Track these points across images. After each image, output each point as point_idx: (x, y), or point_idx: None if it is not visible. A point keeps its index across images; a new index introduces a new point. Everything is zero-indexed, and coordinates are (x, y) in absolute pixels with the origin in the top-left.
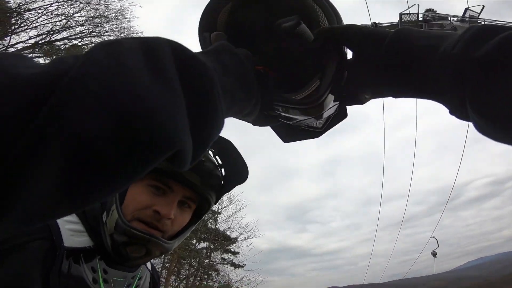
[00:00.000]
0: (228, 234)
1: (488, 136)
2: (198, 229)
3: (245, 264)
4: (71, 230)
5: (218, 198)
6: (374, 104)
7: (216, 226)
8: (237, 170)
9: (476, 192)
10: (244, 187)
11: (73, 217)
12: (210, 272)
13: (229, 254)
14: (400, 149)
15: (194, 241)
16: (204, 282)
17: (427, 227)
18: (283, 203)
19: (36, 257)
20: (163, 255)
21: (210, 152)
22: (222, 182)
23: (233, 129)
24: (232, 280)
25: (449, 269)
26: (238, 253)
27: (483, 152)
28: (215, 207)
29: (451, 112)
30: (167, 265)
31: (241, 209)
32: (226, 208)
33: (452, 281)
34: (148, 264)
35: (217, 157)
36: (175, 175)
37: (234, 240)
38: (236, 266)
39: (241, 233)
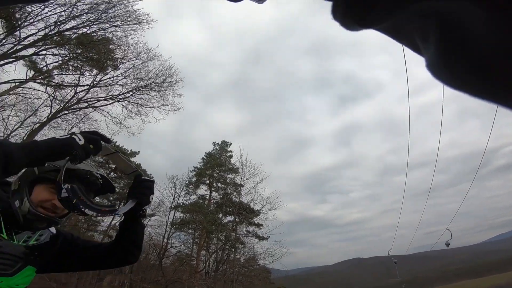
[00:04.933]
0: (252, 206)
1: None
2: (223, 203)
3: (269, 236)
4: None
5: (96, 196)
6: (387, 69)
7: (240, 199)
8: (107, 182)
9: (505, 160)
10: (262, 158)
11: None
12: (236, 245)
13: (254, 226)
14: (418, 115)
15: (220, 215)
16: (232, 255)
17: (451, 197)
18: (300, 174)
19: None
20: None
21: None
22: (100, 187)
23: (245, 104)
24: (257, 252)
25: (476, 242)
26: (262, 225)
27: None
28: (238, 180)
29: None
30: (197, 240)
31: (262, 181)
32: (248, 180)
33: (480, 254)
34: (53, 230)
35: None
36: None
37: (257, 212)
38: (261, 238)
39: (264, 205)
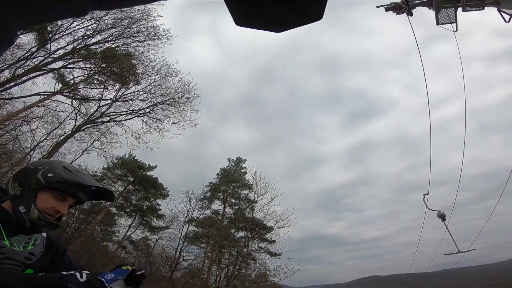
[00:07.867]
0: (265, 222)
1: None
2: (237, 218)
3: (281, 253)
4: None
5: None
6: (398, 85)
7: (253, 215)
8: (104, 194)
9: None
10: (275, 175)
11: None
12: (248, 261)
13: (266, 242)
14: (434, 132)
15: (233, 231)
16: (243, 271)
17: (475, 214)
18: (313, 191)
19: None
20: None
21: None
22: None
23: (257, 121)
24: (269, 269)
25: (506, 259)
26: (274, 241)
27: None
28: (251, 197)
29: None
30: (209, 254)
31: (276, 197)
32: (261, 196)
33: (510, 270)
34: (44, 234)
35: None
36: (71, 194)
37: (270, 229)
38: (273, 254)
39: (277, 221)
